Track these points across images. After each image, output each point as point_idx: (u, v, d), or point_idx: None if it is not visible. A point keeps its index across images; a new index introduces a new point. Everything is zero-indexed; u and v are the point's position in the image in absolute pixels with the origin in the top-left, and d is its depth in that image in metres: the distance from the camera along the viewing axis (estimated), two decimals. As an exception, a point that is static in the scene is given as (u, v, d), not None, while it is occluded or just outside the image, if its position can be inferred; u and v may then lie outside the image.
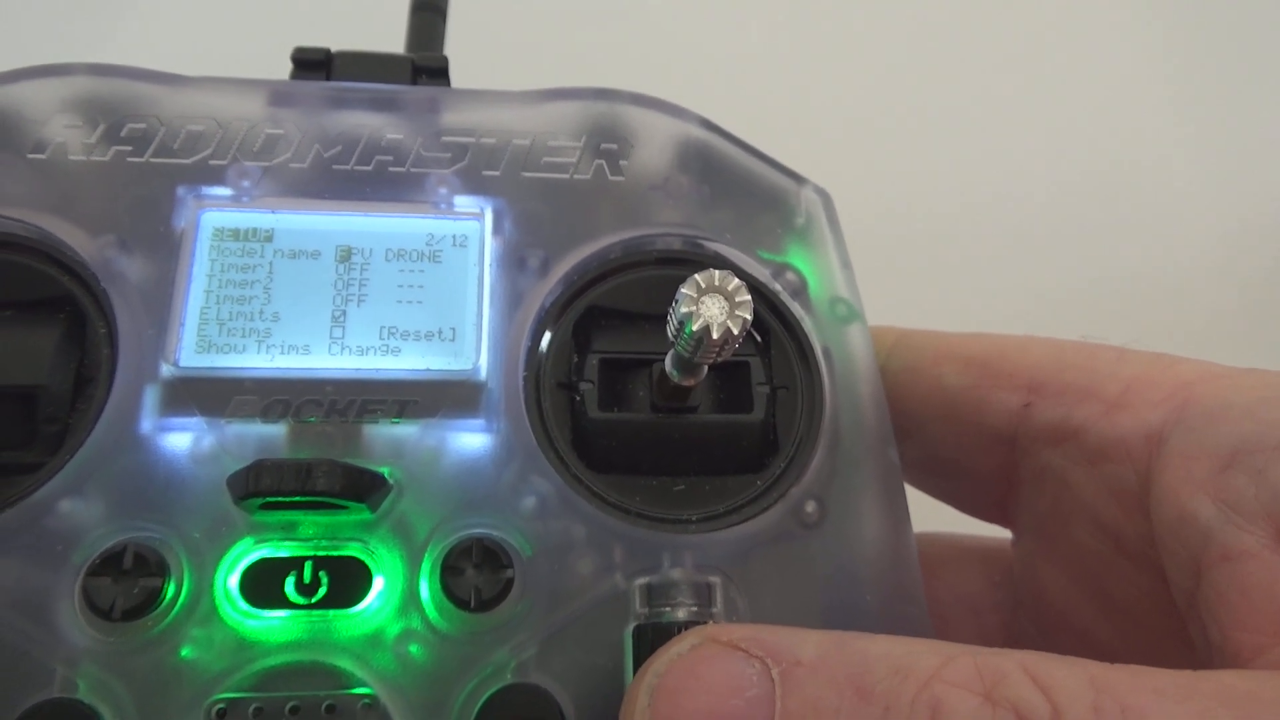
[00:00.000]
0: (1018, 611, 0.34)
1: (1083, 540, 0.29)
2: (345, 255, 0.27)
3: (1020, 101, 0.67)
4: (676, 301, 0.23)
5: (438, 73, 0.32)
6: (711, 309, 0.22)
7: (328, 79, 0.31)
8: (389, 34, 0.40)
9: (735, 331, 0.22)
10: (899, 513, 0.27)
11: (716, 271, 0.23)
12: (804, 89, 0.64)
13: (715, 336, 0.22)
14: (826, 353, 0.29)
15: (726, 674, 0.20)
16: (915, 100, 0.65)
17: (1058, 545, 0.30)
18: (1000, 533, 0.35)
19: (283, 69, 0.32)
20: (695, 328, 0.22)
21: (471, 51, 0.41)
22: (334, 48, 0.32)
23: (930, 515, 0.34)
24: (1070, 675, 0.18)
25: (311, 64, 0.31)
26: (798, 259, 0.30)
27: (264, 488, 0.22)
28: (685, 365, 0.25)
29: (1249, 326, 0.60)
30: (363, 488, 0.24)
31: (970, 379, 0.30)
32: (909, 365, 0.31)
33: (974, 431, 0.30)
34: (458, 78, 0.33)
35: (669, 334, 0.24)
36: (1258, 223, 0.64)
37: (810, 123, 0.62)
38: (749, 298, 0.23)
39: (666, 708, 0.21)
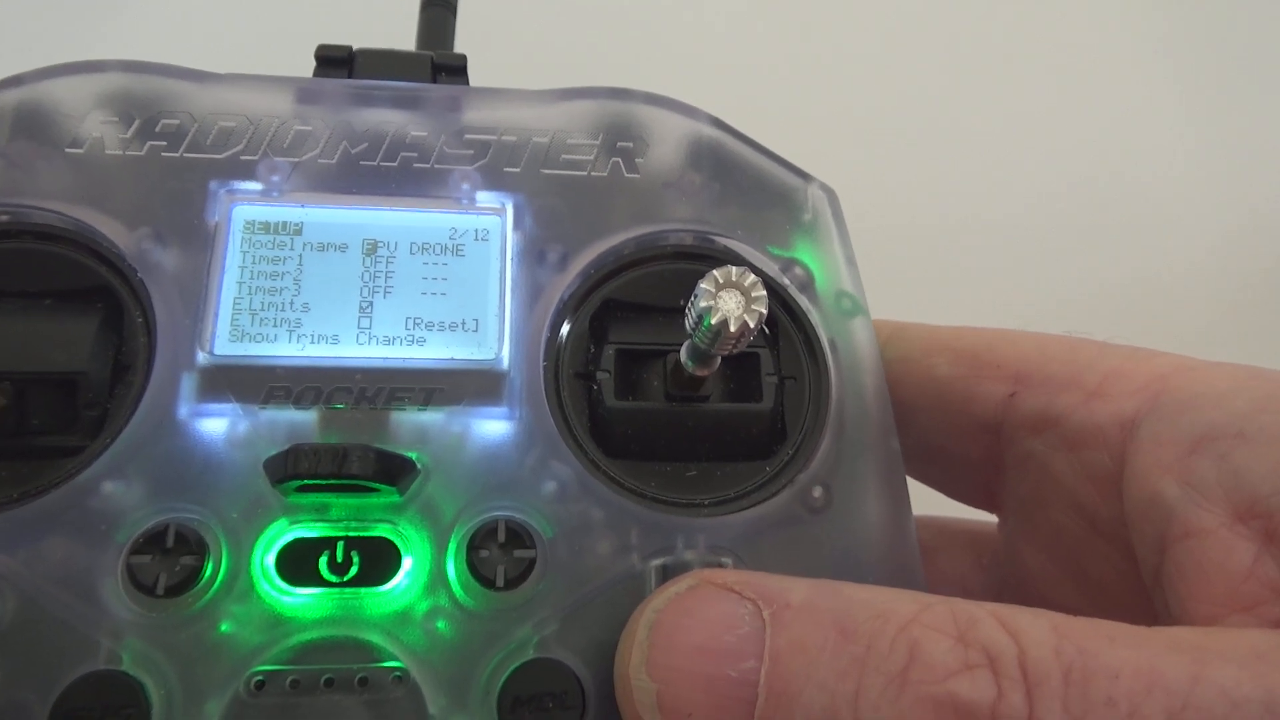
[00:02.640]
0: (1003, 593, 0.36)
1: (1062, 522, 0.30)
2: (372, 248, 0.28)
3: (1023, 103, 0.67)
4: (695, 296, 0.24)
5: (457, 70, 0.33)
6: (729, 303, 0.24)
7: (350, 76, 0.32)
8: (401, 30, 0.42)
9: (751, 325, 0.24)
10: (900, 498, 0.29)
11: (733, 268, 0.24)
12: (810, 89, 0.65)
13: (732, 329, 0.23)
14: (832, 345, 0.30)
15: (720, 612, 0.22)
16: (920, 101, 0.66)
17: (1039, 528, 0.31)
18: (987, 517, 0.37)
19: (292, 63, 0.33)
20: (713, 321, 0.24)
21: (486, 49, 0.41)
22: (334, 41, 0.33)
23: (920, 501, 0.35)
24: (1035, 622, 0.20)
25: (334, 61, 0.32)
26: (805, 254, 0.31)
27: (301, 471, 0.24)
28: (701, 356, 0.26)
29: (1249, 327, 0.61)
30: (394, 471, 0.25)
31: (960, 369, 0.31)
32: (903, 355, 0.32)
33: (962, 420, 0.32)
34: (473, 75, 0.34)
35: (687, 326, 0.25)
36: (1258, 224, 0.65)
37: (816, 122, 0.63)
38: (764, 293, 0.24)
39: (663, 639, 0.22)
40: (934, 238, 0.62)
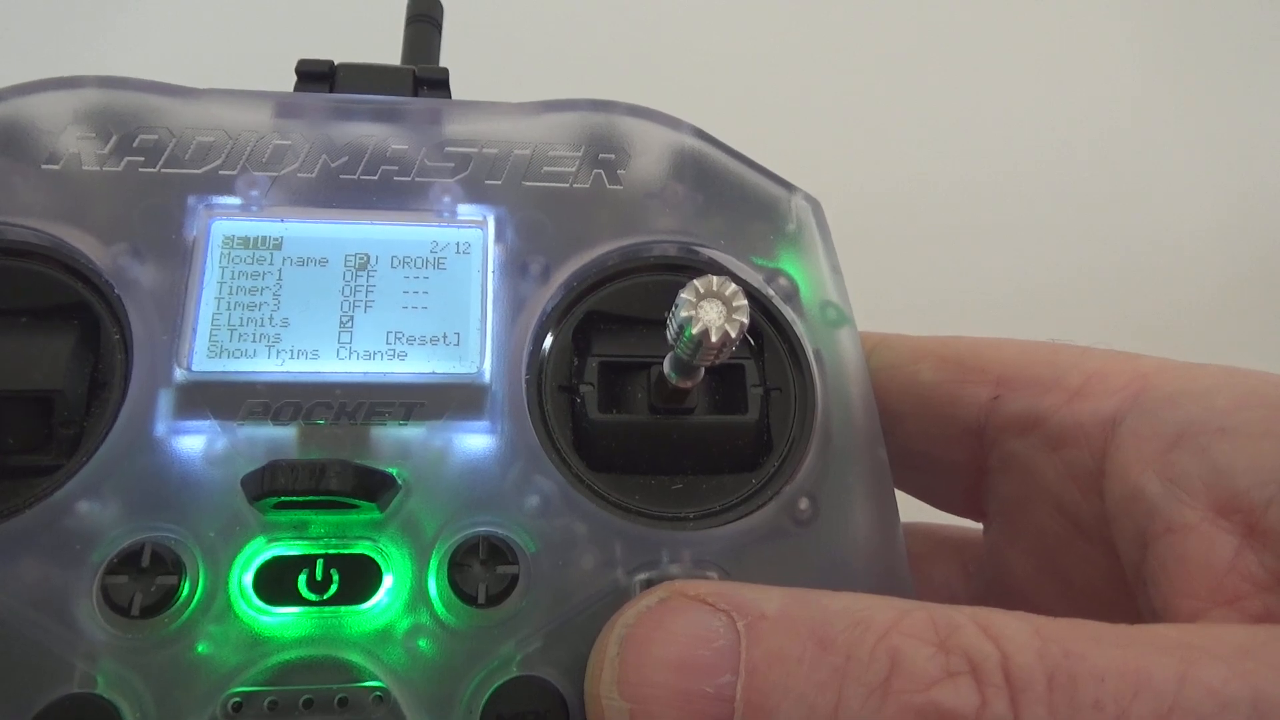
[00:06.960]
0: (988, 598, 0.35)
1: (1045, 523, 0.30)
2: (352, 263, 0.28)
3: (1008, 91, 0.68)
4: (676, 306, 0.24)
5: (438, 84, 0.33)
6: (710, 313, 0.23)
7: (331, 90, 0.32)
8: (388, 46, 0.41)
9: (732, 335, 0.23)
10: (888, 509, 0.28)
11: (714, 277, 0.24)
12: (794, 90, 0.65)
13: (714, 340, 0.23)
14: (818, 355, 0.30)
15: (693, 625, 0.22)
16: (902, 96, 0.67)
17: (1022, 530, 0.31)
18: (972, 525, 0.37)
19: (274, 79, 0.33)
20: (694, 331, 0.23)
21: (468, 62, 0.41)
22: (320, 57, 0.33)
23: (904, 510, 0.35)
24: (1016, 626, 0.20)
25: (315, 75, 0.32)
26: (789, 265, 0.31)
27: (278, 487, 0.23)
28: (683, 367, 0.26)
29: (1235, 313, 0.61)
30: (373, 487, 0.24)
31: (944, 374, 0.31)
32: (888, 363, 0.32)
33: (946, 424, 0.32)
34: (456, 89, 0.34)
35: (669, 337, 0.25)
36: (1247, 211, 0.65)
37: (799, 122, 0.63)
38: (745, 302, 0.24)
39: (635, 656, 0.22)
40: (927, 237, 0.62)
